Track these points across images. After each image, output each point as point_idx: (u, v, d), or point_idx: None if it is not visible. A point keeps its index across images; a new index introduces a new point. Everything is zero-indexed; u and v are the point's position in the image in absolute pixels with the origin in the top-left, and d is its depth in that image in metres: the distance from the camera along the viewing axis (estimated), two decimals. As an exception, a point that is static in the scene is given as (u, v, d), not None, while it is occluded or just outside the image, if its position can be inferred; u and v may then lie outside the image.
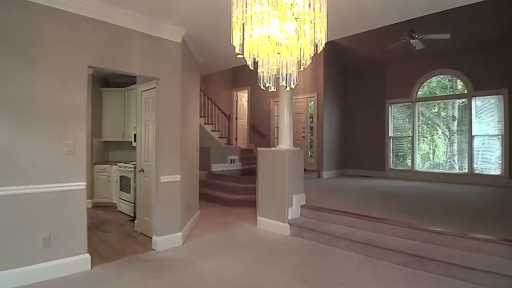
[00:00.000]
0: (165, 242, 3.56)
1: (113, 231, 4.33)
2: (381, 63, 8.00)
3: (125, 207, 5.38)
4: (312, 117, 8.19)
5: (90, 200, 5.86)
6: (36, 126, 2.69)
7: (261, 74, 1.68)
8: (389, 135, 8.15)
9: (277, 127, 8.83)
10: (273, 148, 4.48)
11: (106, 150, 6.46)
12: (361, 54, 7.86)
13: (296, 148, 4.42)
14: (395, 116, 8.24)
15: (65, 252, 2.84)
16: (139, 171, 4.21)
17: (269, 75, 1.65)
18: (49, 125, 2.76)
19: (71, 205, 2.90)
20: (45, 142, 2.75)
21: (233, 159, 7.95)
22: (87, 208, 5.88)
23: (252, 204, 5.70)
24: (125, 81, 6.05)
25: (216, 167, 7.47)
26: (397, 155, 8.25)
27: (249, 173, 7.17)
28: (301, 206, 4.34)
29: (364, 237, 3.48)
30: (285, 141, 4.33)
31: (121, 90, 6.16)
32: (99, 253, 3.42)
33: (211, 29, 3.73)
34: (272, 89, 1.77)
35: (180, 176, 3.75)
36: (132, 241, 3.88)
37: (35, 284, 2.63)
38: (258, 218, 4.50)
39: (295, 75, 1.61)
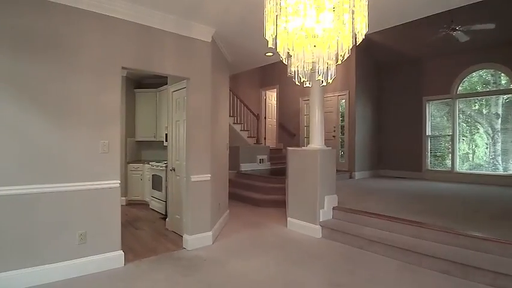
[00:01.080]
0: (196, 240, 3.58)
1: (145, 228, 4.43)
2: (417, 57, 7.60)
3: (156, 205, 5.50)
4: (343, 116, 7.95)
5: (124, 198, 6.06)
6: (74, 126, 2.79)
7: (296, 69, 1.60)
8: (427, 134, 7.72)
9: (307, 126, 8.68)
10: (303, 148, 4.37)
11: (139, 149, 6.66)
12: (395, 49, 7.50)
13: (328, 148, 4.28)
14: (433, 114, 7.79)
15: (99, 249, 2.93)
16: (171, 170, 4.27)
17: (304, 70, 1.56)
18: (86, 125, 2.86)
19: (106, 203, 2.98)
20: (82, 141, 2.84)
21: (262, 159, 7.91)
22: (121, 205, 6.15)
23: (281, 204, 5.62)
24: (156, 82, 6.20)
25: (245, 167, 7.47)
26: (435, 155, 7.80)
27: (278, 172, 7.09)
28: (333, 208, 4.19)
29: (402, 242, 3.28)
30: (316, 141, 4.20)
31: (153, 91, 6.31)
32: (132, 250, 3.50)
33: (241, 28, 3.69)
34: (307, 85, 1.68)
35: (210, 175, 3.75)
36: (163, 239, 3.94)
37: (72, 279, 2.73)
38: (288, 219, 4.41)
39: (332, 69, 1.52)
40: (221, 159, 4.43)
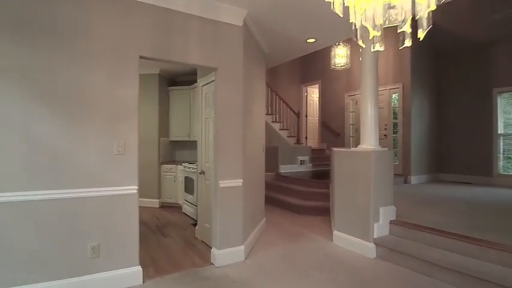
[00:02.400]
0: (225, 256, 3.09)
1: (174, 236, 4.06)
2: (486, 42, 6.42)
3: (188, 209, 5.15)
4: (396, 112, 7.02)
5: (157, 200, 5.82)
6: (84, 123, 2.45)
7: (362, 24, 1.01)
8: (498, 132, 6.51)
9: (353, 124, 7.86)
10: (353, 149, 3.69)
11: (173, 149, 6.40)
12: (457, 33, 6.42)
13: (383, 148, 3.56)
14: (506, 109, 6.56)
15: (114, 264, 2.56)
16: (200, 173, 3.84)
17: (375, 25, 0.97)
18: (99, 122, 2.50)
19: (122, 211, 2.60)
20: (95, 141, 2.49)
21: (303, 160, 7.26)
22: (154, 208, 5.99)
23: (324, 212, 4.97)
24: (190, 80, 5.88)
25: (284, 168, 6.89)
26: (509, 157, 6.57)
27: (321, 176, 6.41)
28: (390, 222, 3.46)
29: (484, 271, 2.49)
30: (369, 140, 3.50)
31: (186, 89, 5.99)
32: (154, 262, 3.12)
33: (278, 8, 3.13)
34: (379, 48, 1.08)
35: (242, 180, 3.25)
36: (191, 250, 3.52)
37: (83, 299, 2.38)
38: (335, 232, 3.76)
39: (426, 16, 0.90)
40: (256, 162, 3.91)
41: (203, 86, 3.78)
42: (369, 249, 3.31)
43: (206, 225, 3.68)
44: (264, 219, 4.41)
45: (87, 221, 2.46)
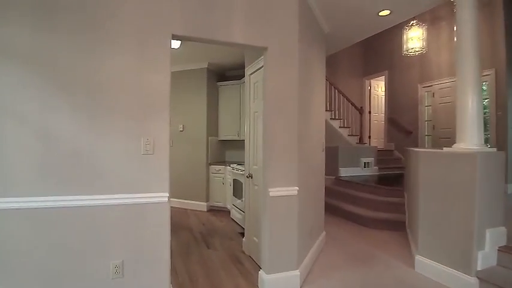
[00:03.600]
0: (276, 283, 2.48)
1: (218, 247, 3.56)
2: None
3: (237, 216, 4.65)
4: (487, 105, 5.71)
5: (205, 203, 5.44)
6: (107, 117, 2.03)
7: None
8: None
9: (429, 121, 6.67)
10: (447, 149, 2.79)
11: (222, 149, 5.99)
12: None
13: (491, 149, 2.63)
14: None
15: (141, 286, 2.10)
16: (247, 177, 3.29)
17: None
18: (123, 116, 2.07)
19: (151, 223, 2.14)
20: (118, 138, 2.06)
21: (367, 163, 6.32)
22: (202, 212, 5.64)
23: (398, 226, 4.08)
24: (240, 74, 5.40)
25: (345, 172, 6.04)
26: None
27: (391, 181, 5.44)
28: (499, 249, 2.53)
29: None
30: (471, 138, 2.59)
31: (236, 83, 5.52)
32: (192, 281, 2.63)
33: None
34: None
35: (297, 188, 2.61)
36: (235, 267, 2.97)
37: (101, 330, 1.96)
38: (417, 257, 2.91)
39: None
40: (314, 165, 3.22)
41: (251, 74, 3.22)
42: (469, 286, 2.42)
43: (254, 238, 3.11)
44: (324, 233, 3.70)
45: (109, 234, 2.04)
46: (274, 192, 2.50)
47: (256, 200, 3.05)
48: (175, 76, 5.84)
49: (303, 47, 2.75)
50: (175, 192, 5.70)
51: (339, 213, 4.97)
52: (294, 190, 2.59)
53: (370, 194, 4.88)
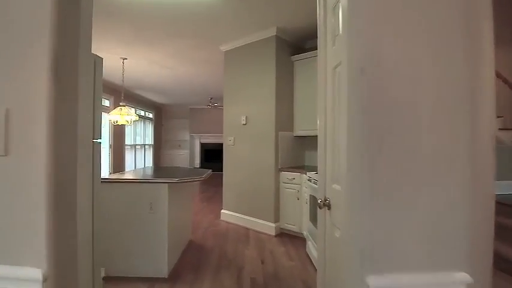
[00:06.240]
0: None
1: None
2: None
3: (314, 253, 2.96)
4: None
5: (273, 225, 3.90)
6: None
7: None
8: None
9: None
10: None
11: (299, 149, 4.36)
12: None
13: None
14: None
15: None
16: (322, 204, 1.59)
17: None
18: None
19: None
20: None
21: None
22: (269, 236, 3.79)
23: None
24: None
25: (502, 188, 3.65)
26: None
27: None
28: None
29: None
30: None
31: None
32: None
33: None
34: None
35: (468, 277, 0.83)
36: None
37: None
38: None
39: None
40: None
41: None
42: None
43: None
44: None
45: None
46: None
47: (338, 253, 1.34)
48: (232, 55, 4.50)
49: None
50: (235, 205, 4.34)
51: (497, 264, 2.75)
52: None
53: None
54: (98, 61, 1.68)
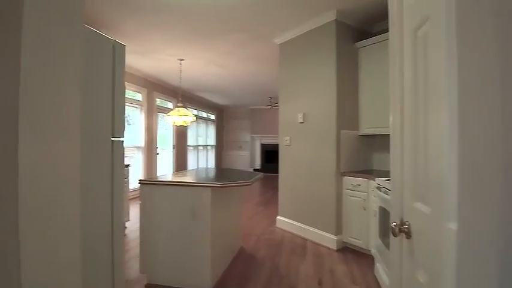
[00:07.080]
0: None
1: None
2: None
3: (385, 279, 2.40)
4: None
5: (334, 237, 3.39)
6: None
7: None
8: None
9: None
10: None
11: (366, 150, 3.76)
12: None
13: None
14: None
15: None
16: (397, 227, 1.12)
17: None
18: None
19: None
20: None
21: None
22: (330, 250, 3.15)
23: None
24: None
25: None
26: None
27: None
28: None
29: None
30: None
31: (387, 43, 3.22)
32: None
33: None
34: None
35: None
36: None
37: None
38: None
39: None
40: None
41: None
42: None
43: None
44: None
45: None
46: None
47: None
48: (287, 47, 4.09)
49: None
50: (292, 212, 3.94)
51: None
52: None
53: None
54: (117, 48, 1.47)
